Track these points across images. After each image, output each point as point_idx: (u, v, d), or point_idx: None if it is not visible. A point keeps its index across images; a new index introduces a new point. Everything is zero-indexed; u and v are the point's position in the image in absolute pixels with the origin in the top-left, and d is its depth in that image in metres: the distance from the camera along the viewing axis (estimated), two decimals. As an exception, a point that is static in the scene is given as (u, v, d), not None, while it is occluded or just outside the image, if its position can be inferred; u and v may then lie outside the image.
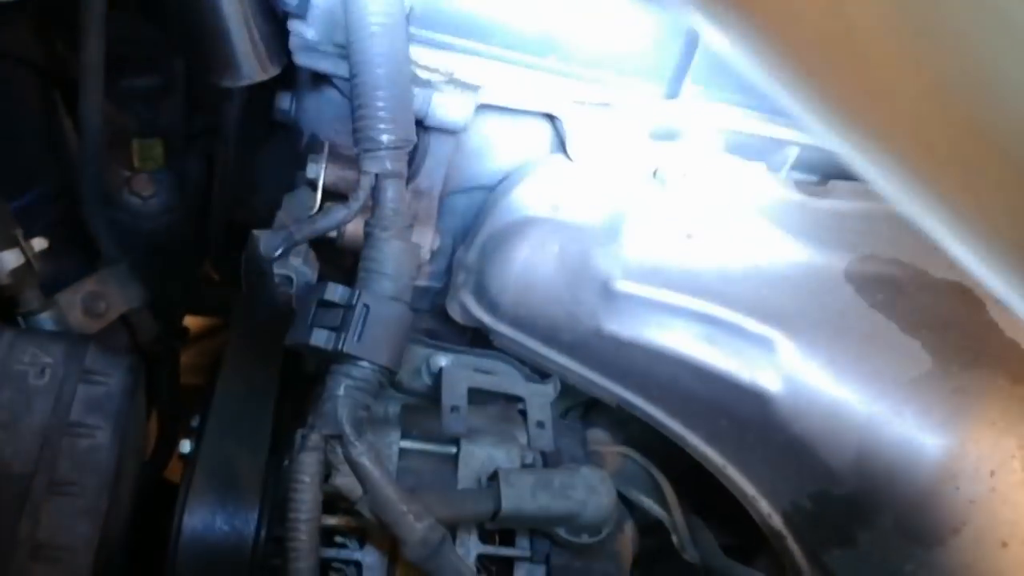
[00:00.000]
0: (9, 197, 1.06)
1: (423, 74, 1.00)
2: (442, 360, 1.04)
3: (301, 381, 1.19)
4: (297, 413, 1.15)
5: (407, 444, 0.96)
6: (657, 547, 1.21)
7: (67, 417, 0.88)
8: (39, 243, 1.05)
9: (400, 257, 0.88)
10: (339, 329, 0.84)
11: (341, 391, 0.84)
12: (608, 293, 1.03)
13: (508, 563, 0.97)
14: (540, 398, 1.01)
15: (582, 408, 1.29)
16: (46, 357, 0.91)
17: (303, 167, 1.08)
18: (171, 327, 1.43)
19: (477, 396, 0.99)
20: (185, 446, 1.22)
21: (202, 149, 1.32)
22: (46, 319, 1.07)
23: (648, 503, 1.18)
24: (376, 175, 0.89)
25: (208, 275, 1.59)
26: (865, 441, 0.93)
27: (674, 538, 1.17)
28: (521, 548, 0.96)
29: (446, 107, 0.99)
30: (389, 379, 0.88)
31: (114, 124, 1.19)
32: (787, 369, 0.97)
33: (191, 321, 1.67)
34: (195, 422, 1.27)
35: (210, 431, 1.03)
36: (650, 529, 1.22)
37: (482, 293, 1.09)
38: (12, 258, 1.02)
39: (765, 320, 0.98)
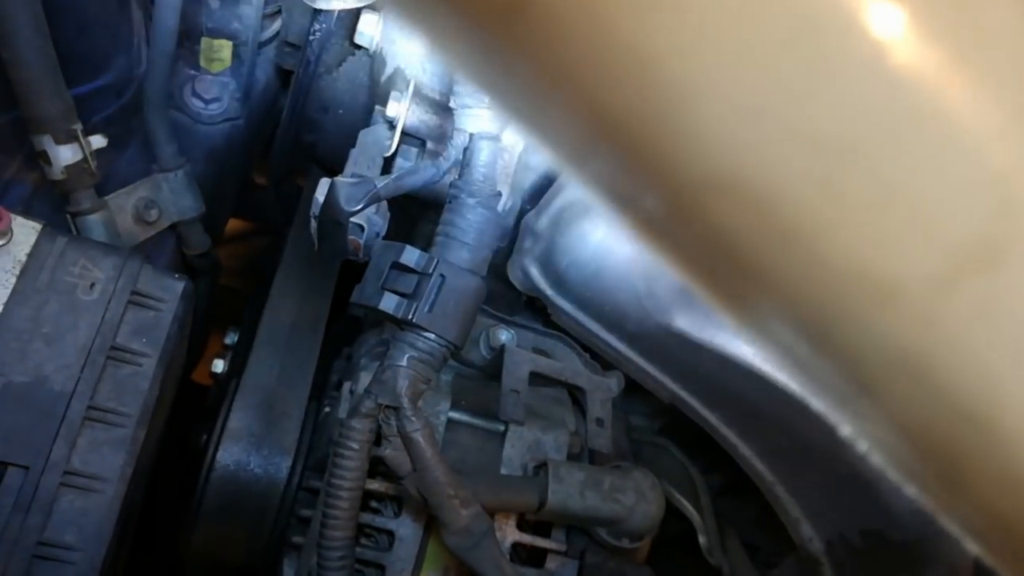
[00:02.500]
0: (72, 83, 1.00)
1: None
2: (503, 335, 0.99)
3: (348, 323, 1.15)
4: (337, 354, 1.11)
5: (455, 415, 0.92)
6: (677, 535, 1.19)
7: (113, 339, 0.83)
8: (98, 140, 0.99)
9: (483, 227, 0.83)
10: (411, 297, 0.79)
11: (404, 362, 0.79)
12: (688, 291, 0.97)
13: (540, 551, 0.94)
14: (602, 393, 0.97)
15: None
16: (97, 271, 0.86)
17: (383, 102, 1.01)
18: (214, 234, 1.38)
19: (535, 379, 0.95)
20: (218, 365, 1.19)
21: (271, 58, 1.25)
22: (95, 221, 1.01)
23: (681, 500, 1.15)
24: (471, 135, 0.82)
25: (251, 179, 1.54)
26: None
27: (702, 539, 1.14)
28: (557, 540, 0.93)
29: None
30: (454, 354, 0.83)
31: (185, 20, 1.12)
32: (864, 403, 0.92)
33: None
34: (229, 339, 1.23)
35: (253, 365, 0.99)
36: (671, 515, 1.19)
37: (548, 264, 1.04)
38: (69, 153, 0.96)
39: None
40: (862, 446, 0.33)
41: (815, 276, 0.27)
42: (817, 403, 0.33)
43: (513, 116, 0.31)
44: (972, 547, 0.34)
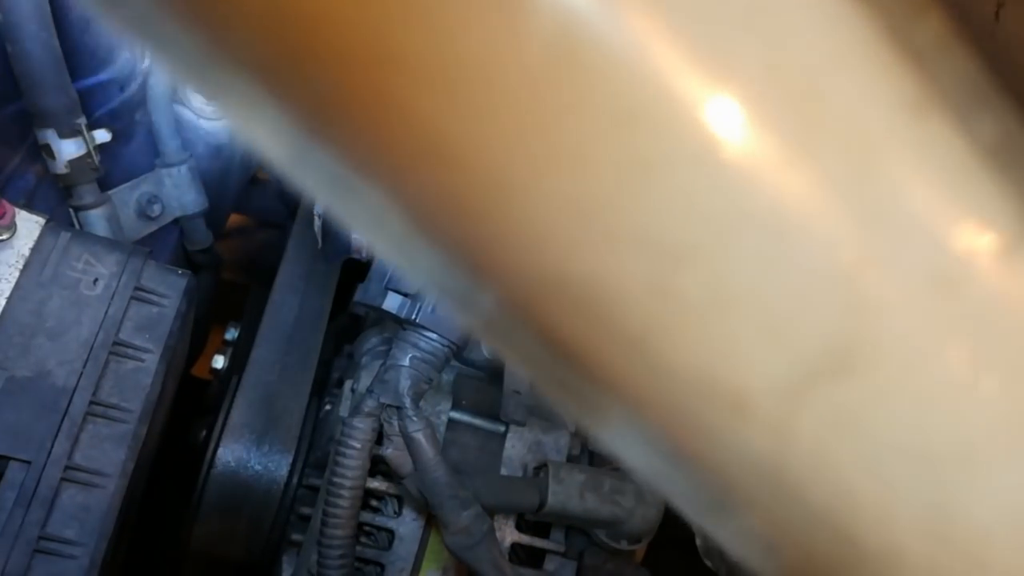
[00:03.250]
0: (76, 76, 1.00)
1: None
2: (506, 335, 0.99)
3: (349, 321, 1.15)
4: (338, 352, 1.11)
5: (457, 415, 0.92)
6: (674, 536, 1.19)
7: (116, 335, 0.84)
8: (101, 135, 0.99)
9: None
10: (415, 297, 0.79)
11: (406, 362, 0.79)
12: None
13: (539, 551, 0.94)
14: (603, 394, 0.97)
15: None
16: (100, 266, 0.86)
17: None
18: (216, 229, 1.38)
19: (537, 379, 0.95)
20: (218, 361, 1.19)
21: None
22: (98, 216, 1.01)
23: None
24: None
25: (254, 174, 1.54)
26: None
27: (699, 541, 1.15)
28: (556, 541, 0.94)
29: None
30: (456, 354, 0.83)
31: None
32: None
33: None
34: (230, 334, 1.23)
35: (255, 361, 0.99)
36: (669, 516, 1.20)
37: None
38: (73, 148, 0.97)
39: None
40: (734, 554, 0.31)
41: (659, 384, 0.25)
42: (685, 513, 0.31)
43: (330, 205, 0.27)
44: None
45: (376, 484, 0.87)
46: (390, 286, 0.79)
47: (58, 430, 0.79)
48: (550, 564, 0.94)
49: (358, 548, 0.85)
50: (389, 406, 0.79)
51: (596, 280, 0.23)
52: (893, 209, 0.24)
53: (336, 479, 0.79)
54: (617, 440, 0.30)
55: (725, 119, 0.22)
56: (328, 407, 0.99)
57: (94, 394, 0.81)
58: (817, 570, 0.28)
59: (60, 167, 0.96)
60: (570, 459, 0.95)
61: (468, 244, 0.24)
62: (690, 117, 0.22)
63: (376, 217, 0.26)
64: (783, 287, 0.24)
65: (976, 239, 0.24)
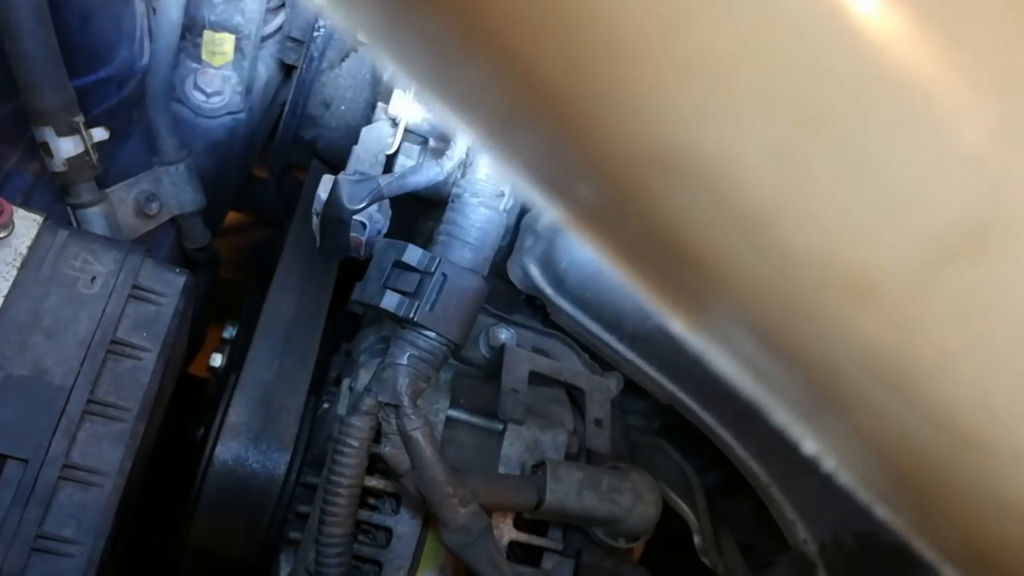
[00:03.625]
0: (73, 74, 0.99)
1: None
2: (503, 334, 0.99)
3: (347, 319, 1.15)
4: (336, 350, 1.11)
5: (454, 414, 0.92)
6: (672, 535, 1.19)
7: (113, 333, 0.83)
8: (99, 133, 0.99)
9: (486, 227, 0.83)
10: (413, 296, 0.79)
11: (404, 360, 0.79)
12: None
13: (537, 550, 0.94)
14: (601, 394, 0.97)
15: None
16: (98, 265, 0.86)
17: (385, 99, 1.01)
18: (214, 227, 1.37)
19: (534, 379, 0.95)
20: (216, 359, 1.19)
21: (274, 52, 1.25)
22: (95, 214, 1.01)
23: (677, 501, 1.15)
24: (475, 134, 0.82)
25: (252, 172, 1.54)
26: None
27: (697, 540, 1.15)
28: (554, 539, 0.94)
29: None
30: (454, 353, 0.83)
31: (188, 12, 1.11)
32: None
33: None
34: (227, 333, 1.23)
35: (252, 360, 0.99)
36: (667, 515, 1.20)
37: (549, 264, 1.04)
38: (70, 146, 0.96)
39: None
40: (828, 464, 0.29)
41: (775, 269, 0.23)
42: (779, 416, 0.29)
43: (425, 84, 0.25)
44: (948, 573, 0.29)
45: (374, 482, 0.87)
46: (388, 284, 0.79)
47: (55, 429, 0.79)
48: (548, 562, 0.94)
49: (356, 546, 0.85)
50: (387, 404, 0.79)
51: (716, 151, 0.22)
52: None
53: (334, 477, 0.79)
54: (718, 338, 0.27)
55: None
56: (326, 405, 0.99)
57: (91, 392, 0.81)
58: (932, 475, 0.26)
59: (58, 165, 0.96)
60: (568, 458, 0.95)
61: (583, 117, 0.22)
62: None
63: (481, 92, 0.24)
64: (917, 160, 0.22)
65: None
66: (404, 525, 0.89)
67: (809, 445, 0.29)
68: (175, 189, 1.10)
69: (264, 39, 1.23)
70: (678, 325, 0.28)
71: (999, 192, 0.22)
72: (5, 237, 0.82)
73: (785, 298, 0.24)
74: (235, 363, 1.07)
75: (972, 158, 0.22)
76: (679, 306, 0.28)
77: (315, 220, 0.86)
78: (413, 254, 0.79)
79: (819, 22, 0.20)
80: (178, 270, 0.89)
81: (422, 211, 1.16)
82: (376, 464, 0.88)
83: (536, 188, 0.27)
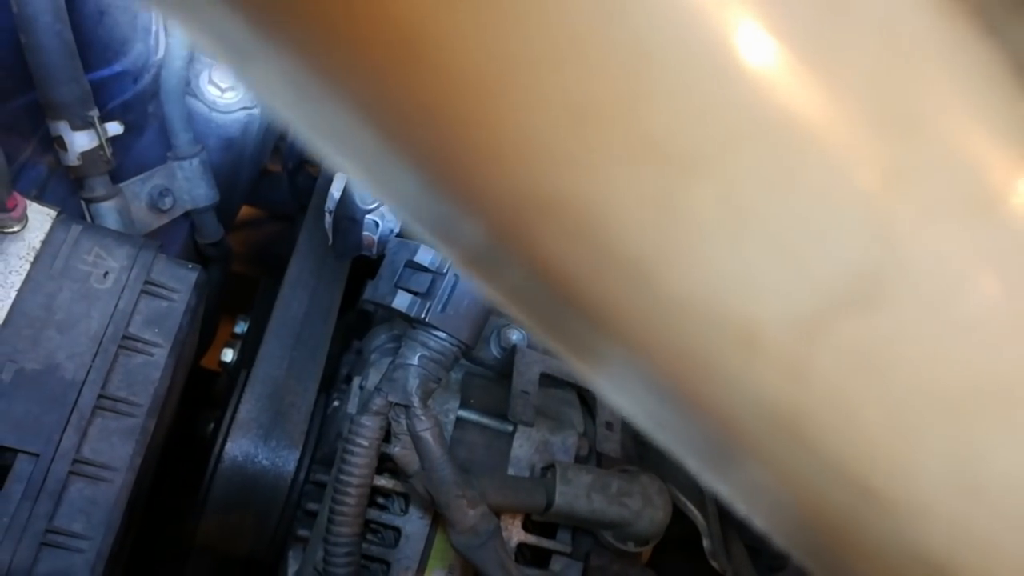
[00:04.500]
0: (89, 68, 1.00)
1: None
2: (514, 335, 0.98)
3: (358, 316, 1.15)
4: (347, 347, 1.11)
5: (464, 414, 0.92)
6: (681, 538, 1.19)
7: (125, 328, 0.84)
8: (114, 127, 0.99)
9: (499, 227, 0.82)
10: (425, 296, 0.79)
11: (415, 360, 0.79)
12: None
13: (545, 552, 0.94)
14: (612, 396, 0.96)
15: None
16: (111, 260, 0.86)
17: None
18: (227, 222, 1.38)
19: (545, 380, 0.94)
20: (227, 354, 1.19)
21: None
22: (109, 208, 1.01)
23: (686, 503, 1.14)
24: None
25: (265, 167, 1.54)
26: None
27: (705, 543, 1.14)
28: (563, 542, 0.93)
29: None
30: (465, 353, 0.83)
31: (205, 7, 1.11)
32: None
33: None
34: (239, 328, 1.23)
35: (263, 356, 0.99)
36: (676, 517, 1.19)
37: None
38: (85, 140, 0.96)
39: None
40: (739, 510, 0.29)
41: (660, 317, 0.23)
42: (689, 462, 0.28)
43: (293, 121, 0.24)
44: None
45: (383, 482, 0.87)
46: (400, 284, 0.79)
47: (66, 423, 0.79)
48: (556, 564, 0.93)
49: (364, 546, 0.85)
50: (397, 404, 0.79)
51: (596, 198, 0.21)
52: (922, 125, 0.21)
53: (343, 476, 0.79)
54: (614, 384, 0.27)
55: (736, 15, 0.19)
56: (336, 403, 0.99)
57: (103, 388, 0.81)
58: (832, 526, 0.26)
59: (72, 159, 0.96)
60: (578, 460, 0.95)
61: (450, 160, 0.21)
62: (698, 9, 0.19)
63: (345, 132, 0.23)
64: (803, 205, 0.21)
65: (1013, 161, 0.22)
66: (413, 525, 0.88)
67: (721, 490, 0.28)
68: (189, 184, 1.10)
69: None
70: (577, 368, 0.28)
71: (889, 240, 0.21)
72: (19, 231, 0.83)
73: (674, 347, 0.23)
74: (246, 359, 1.07)
75: (859, 205, 0.21)
76: (573, 352, 0.27)
77: (328, 218, 0.86)
78: (425, 254, 0.79)
79: (693, 61, 0.19)
80: (191, 266, 0.89)
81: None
82: (385, 463, 0.88)
83: (417, 226, 0.26)
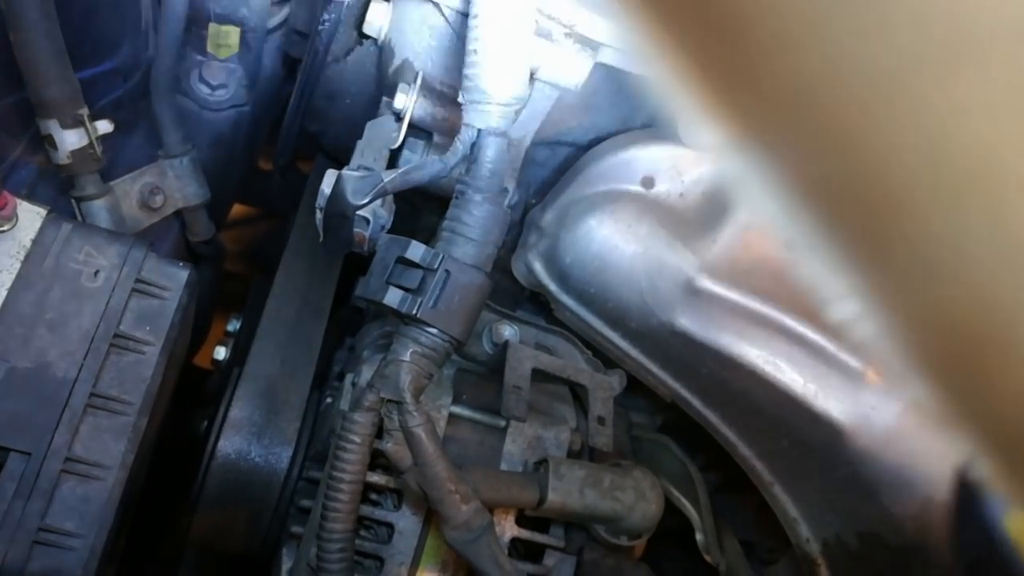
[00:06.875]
0: (78, 66, 0.99)
1: (542, 21, 0.91)
2: (506, 331, 0.99)
3: (351, 313, 1.15)
4: (339, 344, 1.11)
5: (457, 410, 0.92)
6: (674, 532, 1.19)
7: (116, 327, 0.83)
8: (104, 126, 0.99)
9: (489, 224, 0.82)
10: (416, 292, 0.79)
11: (407, 356, 0.79)
12: (690, 288, 0.97)
13: (538, 547, 0.94)
14: (604, 391, 0.97)
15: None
16: (102, 258, 0.86)
17: (390, 93, 1.01)
18: (218, 220, 1.37)
19: (537, 375, 0.95)
20: (220, 352, 1.19)
21: (279, 46, 1.24)
22: (100, 207, 1.01)
23: (679, 498, 1.15)
24: (479, 130, 0.82)
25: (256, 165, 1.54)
26: (935, 497, 0.89)
27: (699, 537, 1.15)
28: (555, 537, 0.94)
29: (561, 66, 0.91)
30: (457, 349, 0.83)
31: (194, 5, 1.11)
32: (868, 405, 0.92)
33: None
34: (232, 326, 1.23)
35: (256, 353, 0.99)
36: (669, 512, 1.20)
37: (553, 260, 1.04)
38: (75, 138, 0.96)
39: (857, 350, 0.92)
40: (865, 329, 0.25)
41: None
42: (820, 265, 0.25)
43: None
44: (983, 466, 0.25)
45: (376, 478, 0.87)
46: (391, 280, 0.79)
47: (58, 422, 0.79)
48: (550, 559, 0.94)
49: (358, 542, 0.85)
50: (389, 401, 0.79)
51: None
52: None
53: (336, 473, 0.79)
54: (774, 155, 0.23)
55: None
56: (329, 400, 0.99)
57: (94, 386, 0.81)
58: (990, 327, 0.22)
59: (62, 158, 0.96)
60: (570, 455, 0.95)
61: None
62: None
63: None
64: None
65: None
66: (406, 521, 0.89)
67: (845, 306, 0.25)
68: (180, 182, 1.10)
69: (269, 32, 1.22)
70: (731, 137, 0.23)
71: None
72: (9, 230, 0.82)
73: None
74: (239, 357, 1.07)
75: None
76: (735, 112, 0.23)
77: (318, 215, 0.86)
78: (416, 250, 0.79)
79: None
80: (181, 264, 0.89)
81: (426, 206, 1.16)
82: (378, 460, 0.88)
83: None
